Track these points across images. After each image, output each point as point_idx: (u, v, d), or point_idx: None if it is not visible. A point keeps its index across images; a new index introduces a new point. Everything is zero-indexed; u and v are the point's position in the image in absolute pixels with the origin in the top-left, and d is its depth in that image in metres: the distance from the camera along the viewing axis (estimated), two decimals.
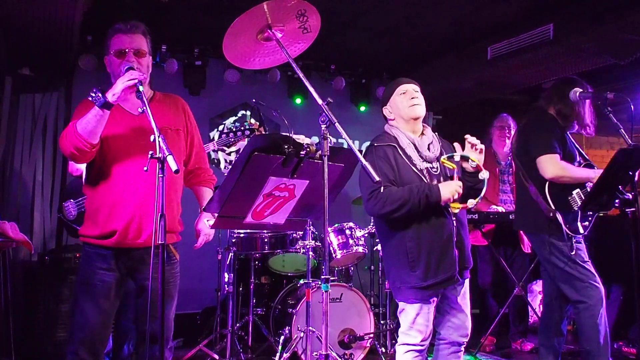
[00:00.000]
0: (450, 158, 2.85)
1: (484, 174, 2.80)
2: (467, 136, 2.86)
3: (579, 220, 3.59)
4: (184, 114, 2.89)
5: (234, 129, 3.62)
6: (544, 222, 3.62)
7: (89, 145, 2.49)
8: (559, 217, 3.56)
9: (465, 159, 2.85)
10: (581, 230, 3.59)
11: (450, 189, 2.77)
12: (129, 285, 2.78)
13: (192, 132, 2.91)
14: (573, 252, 3.56)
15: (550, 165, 3.55)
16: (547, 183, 3.60)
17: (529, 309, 5.32)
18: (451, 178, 2.87)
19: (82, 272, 2.67)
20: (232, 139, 3.61)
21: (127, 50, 2.64)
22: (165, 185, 2.68)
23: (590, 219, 3.65)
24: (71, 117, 2.66)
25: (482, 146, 2.85)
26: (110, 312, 2.69)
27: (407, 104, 2.96)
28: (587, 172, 3.62)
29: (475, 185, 2.88)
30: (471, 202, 2.79)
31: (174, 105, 2.85)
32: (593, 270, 3.59)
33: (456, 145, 2.92)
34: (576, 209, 3.58)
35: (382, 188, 2.79)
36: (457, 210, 2.82)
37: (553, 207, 3.58)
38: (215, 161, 6.07)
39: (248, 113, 6.21)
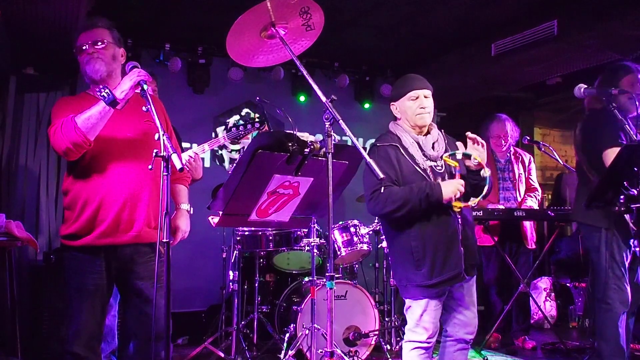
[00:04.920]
0: (452, 156, 2.85)
1: (486, 172, 2.79)
2: (468, 133, 2.86)
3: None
4: (164, 114, 2.92)
5: (243, 122, 3.63)
6: (607, 215, 3.52)
7: (88, 141, 2.48)
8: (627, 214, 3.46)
9: (467, 156, 2.84)
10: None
11: (451, 188, 2.75)
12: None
13: (170, 132, 2.93)
14: (610, 247, 3.53)
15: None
16: None
17: (532, 306, 5.31)
18: (454, 176, 2.86)
19: (74, 278, 2.63)
20: (242, 132, 3.61)
21: (84, 45, 2.66)
22: (152, 182, 2.69)
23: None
24: (53, 116, 2.64)
25: (484, 142, 2.85)
26: (104, 311, 2.69)
27: (415, 111, 2.92)
28: None
29: (478, 183, 2.88)
30: (473, 201, 2.79)
31: (157, 106, 2.84)
32: (625, 274, 3.55)
33: (459, 144, 2.93)
34: None
35: (382, 188, 2.79)
36: (458, 209, 2.80)
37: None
38: (219, 158, 6.08)
39: (252, 113, 6.21)
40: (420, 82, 2.97)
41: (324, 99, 2.26)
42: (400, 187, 2.81)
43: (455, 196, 2.74)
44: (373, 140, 3.07)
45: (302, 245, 4.71)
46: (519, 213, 4.64)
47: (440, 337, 3.04)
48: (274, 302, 4.96)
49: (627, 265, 3.58)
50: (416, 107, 2.92)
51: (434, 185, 2.76)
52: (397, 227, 2.90)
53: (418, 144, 2.93)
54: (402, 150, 2.89)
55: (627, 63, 3.74)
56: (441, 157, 2.94)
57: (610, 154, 3.50)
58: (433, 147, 2.95)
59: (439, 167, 2.92)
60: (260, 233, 4.56)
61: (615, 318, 3.51)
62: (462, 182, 2.78)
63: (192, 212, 3.06)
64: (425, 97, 2.94)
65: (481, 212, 4.60)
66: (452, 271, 2.80)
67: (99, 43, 2.66)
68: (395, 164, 2.85)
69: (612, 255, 3.54)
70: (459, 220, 2.87)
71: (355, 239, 4.66)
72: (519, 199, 5.02)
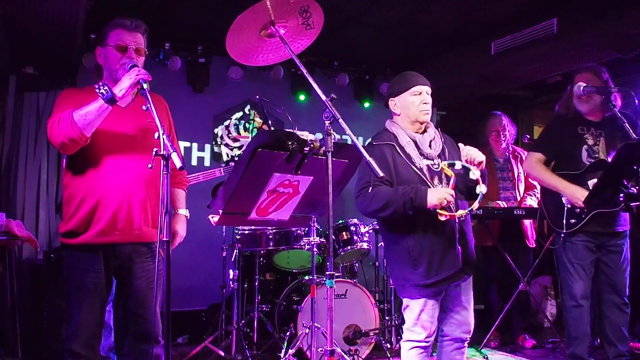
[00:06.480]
0: (451, 165, 2.83)
1: (481, 189, 2.75)
2: (464, 147, 2.85)
3: (564, 217, 3.70)
4: (167, 115, 2.92)
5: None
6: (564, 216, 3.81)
7: (84, 137, 2.49)
8: (545, 210, 3.86)
9: (466, 169, 2.81)
10: (564, 228, 3.70)
11: (438, 196, 2.70)
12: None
13: (172, 133, 2.93)
14: (562, 247, 3.78)
15: (526, 162, 3.99)
16: None
17: (532, 304, 5.29)
18: (448, 185, 2.84)
19: (73, 277, 2.64)
20: None
21: (128, 46, 2.65)
22: (151, 181, 2.68)
23: (583, 216, 3.65)
24: (55, 107, 2.63)
25: (483, 158, 2.82)
26: (103, 309, 2.70)
27: (418, 107, 2.93)
28: (556, 182, 3.72)
29: (471, 189, 2.87)
30: (460, 213, 2.76)
31: (160, 106, 2.83)
32: (578, 271, 3.71)
33: (460, 145, 2.92)
34: (566, 205, 3.71)
35: (370, 187, 2.79)
36: (443, 218, 2.73)
37: (542, 202, 3.91)
38: (219, 156, 6.08)
39: (252, 111, 6.22)
40: (422, 78, 2.99)
41: (323, 97, 2.26)
42: (388, 188, 2.80)
43: (441, 204, 2.70)
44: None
45: (302, 244, 4.71)
46: (518, 211, 4.64)
47: (438, 336, 3.04)
48: (274, 301, 4.97)
49: (586, 262, 3.72)
50: (419, 102, 2.93)
51: (420, 190, 2.73)
52: (393, 226, 2.90)
53: (415, 142, 2.93)
54: (398, 149, 2.89)
55: (594, 65, 3.95)
56: (440, 156, 2.93)
57: (529, 157, 3.94)
58: (430, 146, 2.95)
59: (436, 166, 2.92)
60: (260, 232, 4.56)
61: (567, 309, 3.79)
62: (452, 191, 2.74)
63: (189, 217, 3.06)
64: (427, 93, 2.96)
65: (481, 210, 4.60)
66: (450, 270, 2.81)
67: (141, 53, 2.69)
68: (391, 163, 2.85)
69: (565, 253, 3.76)
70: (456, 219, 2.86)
71: (355, 237, 4.66)
72: (519, 199, 5.02)
